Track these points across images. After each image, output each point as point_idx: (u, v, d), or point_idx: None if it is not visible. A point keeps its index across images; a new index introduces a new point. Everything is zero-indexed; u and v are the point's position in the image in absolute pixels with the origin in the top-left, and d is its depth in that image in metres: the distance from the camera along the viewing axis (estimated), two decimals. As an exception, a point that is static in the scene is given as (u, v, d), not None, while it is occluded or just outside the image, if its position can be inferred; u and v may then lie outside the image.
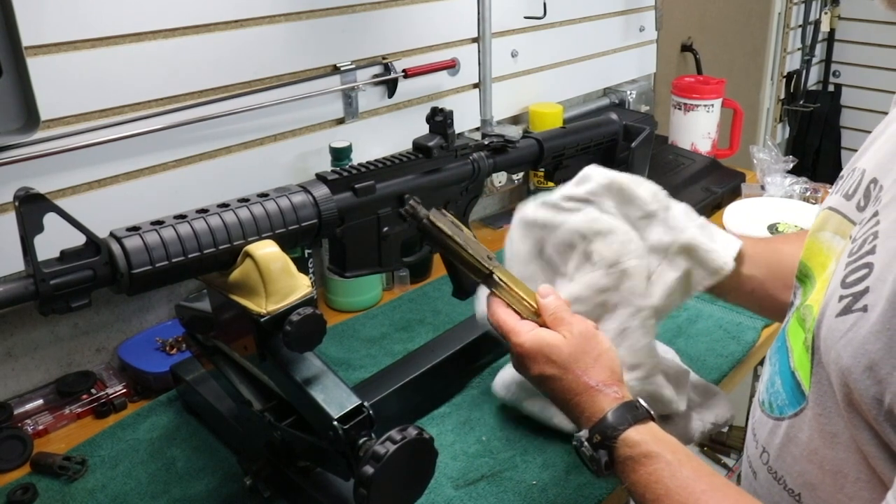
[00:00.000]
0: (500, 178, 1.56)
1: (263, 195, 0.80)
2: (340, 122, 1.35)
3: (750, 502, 0.65)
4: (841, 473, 0.65)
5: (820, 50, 3.26)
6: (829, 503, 0.65)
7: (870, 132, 0.81)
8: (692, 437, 0.96)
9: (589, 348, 0.76)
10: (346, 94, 1.34)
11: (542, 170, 1.08)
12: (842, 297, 0.63)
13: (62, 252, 0.67)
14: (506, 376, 1.00)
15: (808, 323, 0.72)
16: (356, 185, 0.87)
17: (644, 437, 0.70)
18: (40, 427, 1.02)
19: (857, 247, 0.65)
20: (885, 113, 0.80)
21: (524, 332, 0.77)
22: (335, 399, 0.74)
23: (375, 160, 0.92)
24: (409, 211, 0.83)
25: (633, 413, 0.72)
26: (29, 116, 0.94)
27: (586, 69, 1.87)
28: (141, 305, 1.19)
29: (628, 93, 1.97)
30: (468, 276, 0.82)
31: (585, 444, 0.71)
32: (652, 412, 0.73)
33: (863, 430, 0.61)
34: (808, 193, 1.69)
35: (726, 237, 0.90)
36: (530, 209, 0.89)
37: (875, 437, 0.60)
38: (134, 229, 0.71)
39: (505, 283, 0.79)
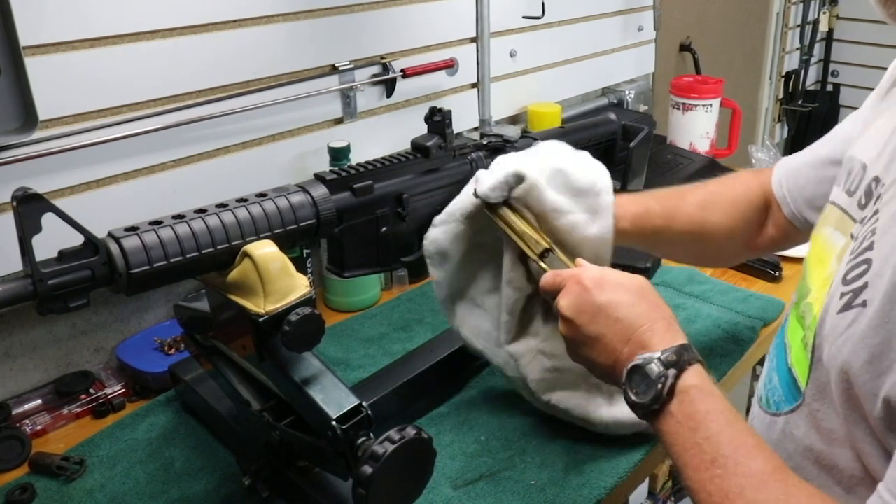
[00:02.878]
0: (498, 178, 1.55)
1: (262, 195, 0.80)
2: (339, 121, 1.35)
3: (790, 472, 0.64)
4: (836, 469, 0.66)
5: (818, 50, 3.26)
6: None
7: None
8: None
9: (652, 294, 0.78)
10: (344, 94, 1.34)
11: (541, 170, 1.08)
12: (843, 294, 0.64)
13: (60, 252, 0.67)
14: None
15: (807, 321, 0.72)
16: (354, 185, 0.87)
17: (708, 377, 0.70)
18: (39, 427, 1.02)
19: (857, 244, 0.65)
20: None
21: (590, 267, 0.80)
22: (334, 399, 0.74)
23: (374, 160, 0.92)
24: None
25: (697, 355, 0.72)
26: (27, 116, 0.94)
27: (585, 69, 1.87)
28: (139, 305, 1.19)
29: (627, 92, 1.97)
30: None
31: (656, 360, 0.70)
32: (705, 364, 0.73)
33: (859, 427, 0.62)
34: (806, 193, 1.69)
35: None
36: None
37: (871, 435, 0.61)
38: (132, 229, 0.71)
39: (562, 259, 0.85)
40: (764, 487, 0.60)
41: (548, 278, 0.82)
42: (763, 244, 1.03)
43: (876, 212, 0.66)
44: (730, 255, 1.10)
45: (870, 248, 0.63)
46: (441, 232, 0.94)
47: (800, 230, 0.97)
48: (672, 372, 0.69)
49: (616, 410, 0.93)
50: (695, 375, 0.69)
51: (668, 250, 1.11)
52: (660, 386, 0.68)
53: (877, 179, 0.70)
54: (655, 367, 0.69)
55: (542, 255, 0.85)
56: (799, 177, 0.96)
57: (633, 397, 0.71)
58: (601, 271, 0.79)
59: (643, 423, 0.90)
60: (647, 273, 1.34)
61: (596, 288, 0.76)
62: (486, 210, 0.89)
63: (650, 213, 0.97)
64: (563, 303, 0.78)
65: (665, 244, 1.03)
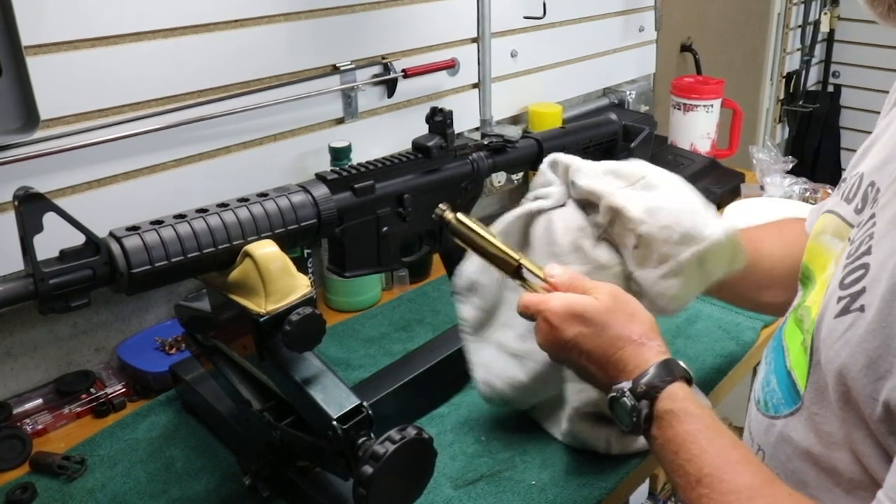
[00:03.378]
0: (499, 178, 1.55)
1: (263, 195, 0.80)
2: (340, 121, 1.35)
3: (779, 482, 0.64)
4: (835, 472, 0.66)
5: (819, 50, 3.26)
6: (822, 501, 0.66)
7: (870, 133, 0.81)
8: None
9: (622, 306, 0.75)
10: (345, 94, 1.34)
11: (542, 170, 1.08)
12: (840, 299, 0.64)
13: (61, 251, 0.67)
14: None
15: (805, 324, 0.72)
16: (355, 185, 0.88)
17: (687, 394, 0.69)
18: (39, 426, 1.02)
19: (854, 248, 0.66)
20: (886, 114, 0.81)
21: (553, 298, 0.76)
22: (334, 399, 0.74)
23: (375, 160, 0.92)
24: (438, 215, 0.84)
25: (677, 370, 0.71)
26: (29, 116, 0.94)
27: (586, 69, 1.87)
28: (140, 305, 1.19)
29: (628, 93, 1.97)
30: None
31: (628, 393, 0.70)
32: (691, 373, 0.71)
33: (858, 430, 0.62)
34: (807, 194, 1.69)
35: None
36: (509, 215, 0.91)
37: (870, 437, 0.61)
38: (133, 229, 0.71)
39: (533, 272, 0.79)
40: (752, 503, 0.61)
41: (520, 308, 0.79)
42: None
43: (872, 216, 0.66)
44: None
45: (867, 252, 0.63)
46: (474, 265, 0.92)
47: None
48: (644, 403, 0.69)
49: (627, 443, 0.93)
50: (670, 399, 0.68)
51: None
52: (634, 418, 0.69)
53: (872, 184, 0.70)
54: (628, 401, 0.70)
55: (516, 273, 0.80)
56: None
57: (619, 425, 0.72)
58: (565, 302, 0.75)
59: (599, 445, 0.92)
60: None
61: (562, 324, 0.75)
62: (452, 234, 0.84)
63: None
64: (539, 340, 0.78)
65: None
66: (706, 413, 0.68)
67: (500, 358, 0.92)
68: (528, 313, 0.78)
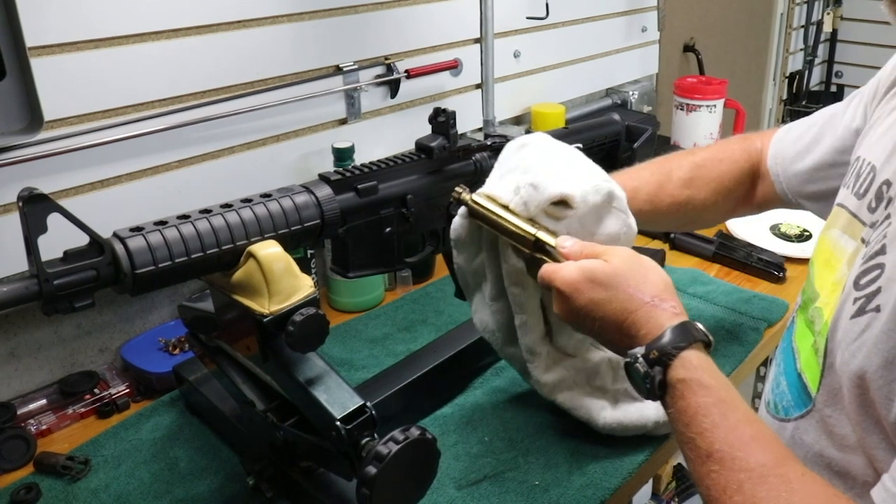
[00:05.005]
0: (502, 179, 1.55)
1: (266, 195, 0.80)
2: (343, 122, 1.35)
3: (794, 460, 0.62)
4: (849, 475, 0.65)
5: (822, 50, 3.26)
6: None
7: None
8: (647, 426, 0.93)
9: (635, 266, 0.73)
10: (348, 95, 1.34)
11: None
12: (855, 300, 0.63)
13: (66, 252, 0.67)
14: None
15: (817, 325, 0.72)
16: (359, 186, 0.88)
17: (701, 363, 0.66)
18: (43, 427, 1.02)
19: (869, 249, 0.65)
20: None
21: (564, 268, 0.75)
22: (338, 399, 0.74)
23: (378, 160, 0.92)
24: (455, 197, 0.86)
25: (692, 333, 0.68)
26: (33, 117, 0.94)
27: (588, 70, 1.87)
28: (144, 306, 1.20)
29: (631, 93, 1.97)
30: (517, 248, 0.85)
31: (641, 359, 0.67)
32: (710, 337, 0.69)
33: (872, 433, 0.61)
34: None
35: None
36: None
37: (884, 441, 0.60)
38: (137, 230, 0.71)
39: (551, 246, 0.80)
40: (763, 482, 0.58)
41: (539, 281, 0.79)
42: (745, 211, 1.07)
43: (888, 216, 0.66)
44: (711, 223, 1.14)
45: (882, 252, 0.63)
46: (457, 222, 0.92)
47: (785, 202, 1.00)
48: (657, 369, 0.67)
49: (619, 413, 0.93)
50: (683, 368, 0.66)
51: (651, 226, 1.15)
52: (648, 385, 0.67)
53: (888, 183, 0.69)
54: (641, 368, 0.68)
55: (536, 246, 0.81)
56: (798, 169, 0.96)
57: (634, 392, 0.70)
58: (575, 269, 0.74)
59: (647, 425, 0.90)
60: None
61: (573, 293, 0.73)
62: (470, 216, 0.86)
63: (636, 196, 0.97)
64: (555, 309, 0.77)
65: (648, 223, 1.01)
66: (721, 384, 0.65)
67: (483, 305, 0.95)
68: (544, 285, 0.77)
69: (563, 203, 0.83)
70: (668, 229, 1.18)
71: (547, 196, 0.81)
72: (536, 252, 0.81)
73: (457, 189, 0.86)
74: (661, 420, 0.93)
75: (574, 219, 0.83)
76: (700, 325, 0.69)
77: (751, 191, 1.03)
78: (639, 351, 0.68)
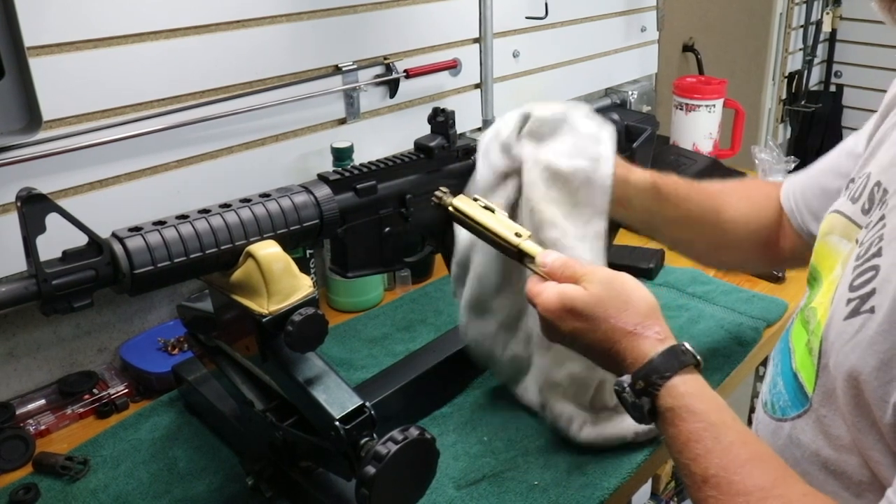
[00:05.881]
0: (501, 179, 1.55)
1: (265, 195, 0.80)
2: (342, 122, 1.35)
3: (794, 479, 0.62)
4: (844, 475, 0.65)
5: (822, 50, 3.26)
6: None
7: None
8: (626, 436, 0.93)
9: (615, 292, 0.71)
10: (347, 95, 1.34)
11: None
12: (849, 301, 0.63)
13: (64, 252, 0.67)
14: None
15: (811, 325, 0.72)
16: (358, 186, 0.88)
17: (689, 388, 0.66)
18: (42, 427, 1.02)
19: (863, 250, 0.65)
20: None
21: (545, 292, 0.73)
22: (337, 399, 0.74)
23: (377, 160, 0.92)
24: (436, 199, 0.84)
25: (679, 358, 0.67)
26: (31, 117, 0.94)
27: (588, 69, 1.87)
28: (143, 306, 1.20)
29: (630, 93, 1.97)
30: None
31: (627, 389, 0.67)
32: (699, 357, 0.68)
33: (868, 434, 0.61)
34: (809, 193, 1.69)
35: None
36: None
37: (880, 442, 0.60)
38: (136, 229, 0.71)
39: (530, 259, 0.78)
40: None
41: (526, 292, 0.78)
42: (781, 255, 0.99)
43: (882, 217, 0.66)
44: (747, 251, 0.99)
45: (877, 254, 0.63)
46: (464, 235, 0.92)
47: (807, 244, 0.93)
48: (645, 400, 0.67)
49: (600, 429, 0.93)
50: (670, 396, 0.66)
51: (683, 232, 0.98)
52: (638, 415, 0.68)
53: (878, 184, 0.70)
54: (629, 398, 0.68)
55: (519, 257, 0.79)
56: (805, 190, 0.95)
57: (632, 413, 0.70)
58: (556, 297, 0.73)
59: (627, 436, 0.91)
60: (650, 273, 1.34)
61: (555, 320, 0.73)
62: (456, 216, 0.84)
63: (671, 180, 0.94)
64: (542, 332, 0.77)
65: (682, 221, 0.96)
66: (711, 407, 0.65)
67: (466, 309, 0.97)
68: (530, 303, 0.77)
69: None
70: (700, 246, 1.01)
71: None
72: (521, 262, 0.80)
73: (436, 193, 0.84)
74: (641, 430, 0.92)
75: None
76: (687, 346, 0.69)
77: (779, 227, 0.97)
78: (626, 380, 0.68)
